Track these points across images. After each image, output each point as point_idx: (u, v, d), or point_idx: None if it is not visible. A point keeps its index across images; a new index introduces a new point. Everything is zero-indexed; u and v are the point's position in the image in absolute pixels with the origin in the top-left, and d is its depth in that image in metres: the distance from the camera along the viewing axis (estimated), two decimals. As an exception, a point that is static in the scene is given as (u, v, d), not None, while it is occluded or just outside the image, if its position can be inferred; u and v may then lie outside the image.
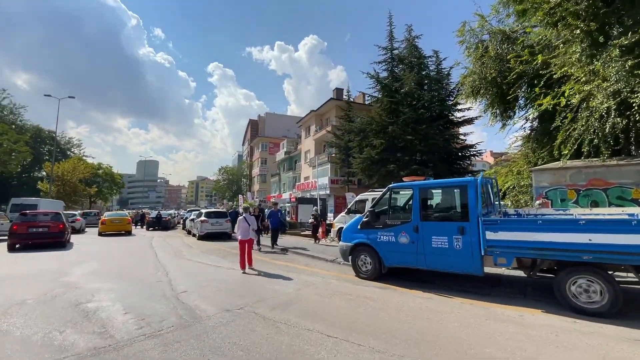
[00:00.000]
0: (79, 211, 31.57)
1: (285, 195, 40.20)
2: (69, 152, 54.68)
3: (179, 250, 11.58)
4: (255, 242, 10.76)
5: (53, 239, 12.41)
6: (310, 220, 16.06)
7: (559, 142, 8.88)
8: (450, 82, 21.72)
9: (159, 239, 16.16)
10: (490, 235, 5.03)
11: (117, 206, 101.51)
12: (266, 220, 12.68)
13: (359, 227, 6.82)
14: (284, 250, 11.55)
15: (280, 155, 46.59)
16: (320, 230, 16.68)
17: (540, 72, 9.71)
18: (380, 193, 12.68)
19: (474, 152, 21.88)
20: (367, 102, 28.71)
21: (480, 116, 21.54)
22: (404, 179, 6.75)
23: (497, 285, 5.98)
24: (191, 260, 9.29)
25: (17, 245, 12.07)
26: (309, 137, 36.40)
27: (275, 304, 4.91)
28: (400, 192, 6.95)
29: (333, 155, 30.02)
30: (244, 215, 8.33)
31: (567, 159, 8.77)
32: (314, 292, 5.69)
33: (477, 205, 5.38)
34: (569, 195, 8.85)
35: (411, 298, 5.30)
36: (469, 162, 21.82)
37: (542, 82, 9.14)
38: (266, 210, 17.36)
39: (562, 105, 8.50)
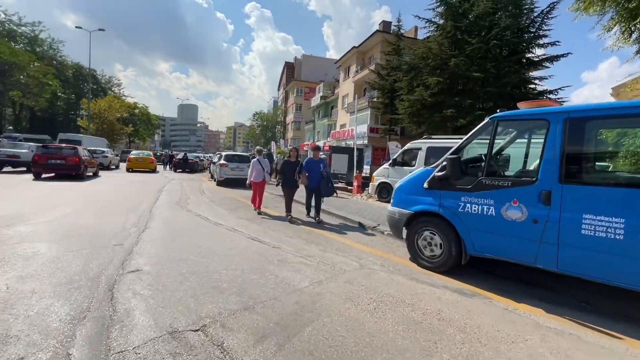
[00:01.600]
0: (112, 150, 31.68)
1: (319, 144, 37.62)
2: (109, 91, 55.10)
3: (187, 197, 9.74)
4: (286, 206, 7.28)
5: (68, 170, 12.98)
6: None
7: None
8: (535, 7, 16.50)
9: (176, 182, 14.65)
10: None
11: (159, 147, 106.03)
12: (303, 173, 7.16)
13: (424, 185, 4.10)
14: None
15: (315, 100, 43.05)
16: (354, 184, 14.18)
17: None
18: (446, 141, 9.60)
19: (555, 100, 17.23)
20: (422, 38, 23.84)
21: (567, 54, 16.47)
22: (521, 104, 3.75)
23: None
24: (190, 212, 7.31)
25: (42, 175, 12.90)
26: (348, 79, 32.31)
27: (271, 322, 2.57)
28: (518, 127, 4.01)
29: (374, 99, 26.25)
30: (257, 157, 8.02)
31: None
32: (344, 292, 3.28)
33: None
34: None
35: (537, 331, 2.70)
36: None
37: None
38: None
39: None
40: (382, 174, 11.11)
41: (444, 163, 3.85)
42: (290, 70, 65.48)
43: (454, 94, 16.23)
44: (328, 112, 39.59)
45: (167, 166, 25.22)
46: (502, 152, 4.37)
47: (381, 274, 3.92)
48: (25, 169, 14.97)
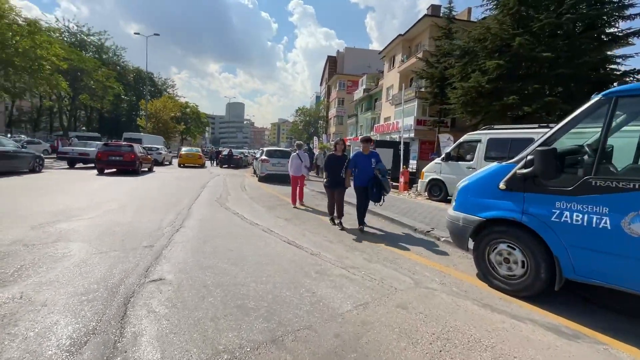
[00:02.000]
0: (169, 147, 33.76)
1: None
2: (165, 92, 59.09)
3: (227, 194, 9.62)
4: (334, 212, 6.16)
5: (125, 166, 13.97)
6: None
7: None
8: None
9: (220, 178, 14.86)
10: None
11: (209, 144, 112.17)
12: (350, 171, 5.91)
13: (500, 186, 3.22)
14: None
15: (358, 93, 41.94)
16: (401, 180, 13.17)
17: None
18: (511, 131, 8.27)
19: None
20: (477, 20, 21.73)
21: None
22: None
23: None
24: (228, 210, 7.04)
25: (105, 170, 13.99)
26: (392, 70, 30.77)
27: (304, 364, 1.99)
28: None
29: (422, 89, 24.60)
30: (297, 152, 8.16)
31: None
32: (398, 323, 2.59)
33: None
34: None
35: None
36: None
37: None
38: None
39: None
40: (433, 169, 10.02)
41: (530, 157, 2.94)
42: (333, 64, 64.74)
43: (516, 78, 14.35)
44: (371, 105, 38.29)
45: (214, 162, 26.10)
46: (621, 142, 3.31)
47: (442, 296, 3.15)
48: (93, 165, 16.29)
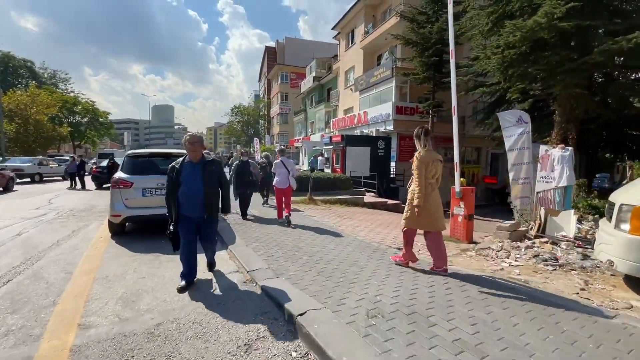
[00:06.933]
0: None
1: (316, 137, 29.14)
2: (56, 89, 44.32)
3: None
4: None
5: None
6: (261, 173, 8.66)
7: None
8: None
9: (38, 229, 5.96)
10: None
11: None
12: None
13: None
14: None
15: (306, 84, 34.50)
16: (459, 213, 5.82)
17: None
18: None
19: None
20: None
21: None
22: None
23: None
24: None
25: None
26: (353, 47, 23.94)
27: None
28: None
29: (398, 64, 18.05)
30: (280, 158, 6.60)
31: None
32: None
33: None
34: None
35: None
36: None
37: None
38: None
39: None
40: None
41: None
42: (272, 55, 56.67)
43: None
44: (324, 96, 31.18)
45: (73, 182, 14.24)
46: None
47: None
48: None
